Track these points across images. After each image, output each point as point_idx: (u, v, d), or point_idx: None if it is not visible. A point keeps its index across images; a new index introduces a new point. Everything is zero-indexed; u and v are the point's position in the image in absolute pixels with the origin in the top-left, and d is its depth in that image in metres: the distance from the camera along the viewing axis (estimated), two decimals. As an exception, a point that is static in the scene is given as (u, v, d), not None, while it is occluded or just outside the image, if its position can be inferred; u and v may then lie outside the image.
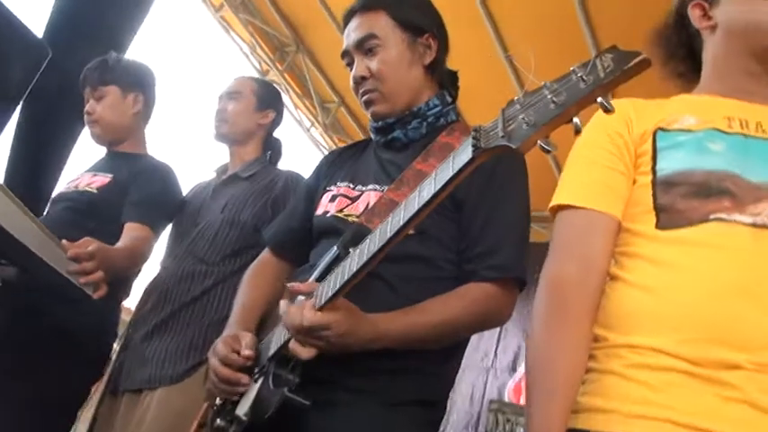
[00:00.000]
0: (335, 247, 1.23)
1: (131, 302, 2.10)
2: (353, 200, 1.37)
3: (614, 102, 1.06)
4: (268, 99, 2.18)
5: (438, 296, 1.23)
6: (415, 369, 1.24)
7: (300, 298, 1.18)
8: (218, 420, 1.30)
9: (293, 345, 1.15)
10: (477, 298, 1.24)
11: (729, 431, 0.85)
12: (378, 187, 1.36)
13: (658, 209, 1.01)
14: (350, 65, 1.44)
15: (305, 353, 1.13)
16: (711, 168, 1.00)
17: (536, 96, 0.82)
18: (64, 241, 1.52)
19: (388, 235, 1.02)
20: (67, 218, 1.87)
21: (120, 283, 1.89)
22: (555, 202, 1.09)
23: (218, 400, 1.35)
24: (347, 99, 5.49)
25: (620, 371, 0.93)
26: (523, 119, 0.82)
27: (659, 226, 1.00)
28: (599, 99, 0.78)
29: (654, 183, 1.03)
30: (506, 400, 5.06)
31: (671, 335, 0.91)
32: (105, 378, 2.06)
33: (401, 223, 1.00)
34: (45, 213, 2.05)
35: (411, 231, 1.05)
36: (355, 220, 1.31)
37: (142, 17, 3.22)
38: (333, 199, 1.41)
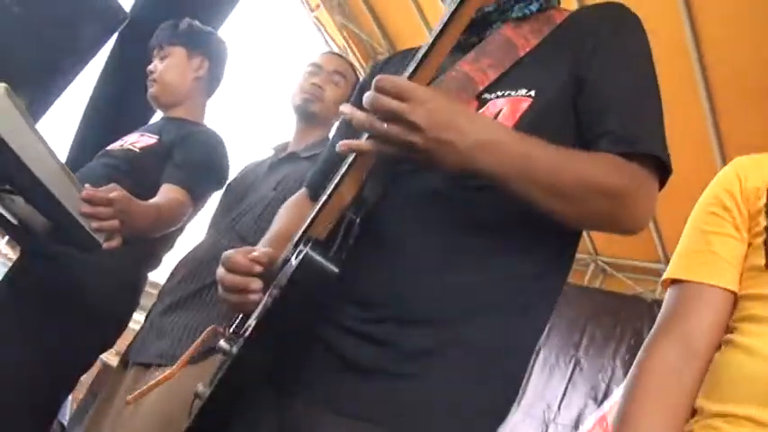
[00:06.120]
0: None
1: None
2: None
3: (733, 161, 1.07)
4: None
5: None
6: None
7: None
8: (222, 342, 1.00)
9: (375, 144, 0.85)
10: (619, 165, 0.90)
11: None
12: None
13: None
14: None
15: (388, 148, 0.84)
16: None
17: None
18: (86, 185, 1.37)
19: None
20: (104, 173, 1.75)
21: (144, 245, 1.76)
22: (664, 276, 1.06)
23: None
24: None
25: None
26: None
27: None
28: None
29: (766, 242, 0.97)
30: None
31: (761, 399, 0.87)
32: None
33: None
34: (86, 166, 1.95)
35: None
36: None
37: (233, 4, 3.21)
38: None
